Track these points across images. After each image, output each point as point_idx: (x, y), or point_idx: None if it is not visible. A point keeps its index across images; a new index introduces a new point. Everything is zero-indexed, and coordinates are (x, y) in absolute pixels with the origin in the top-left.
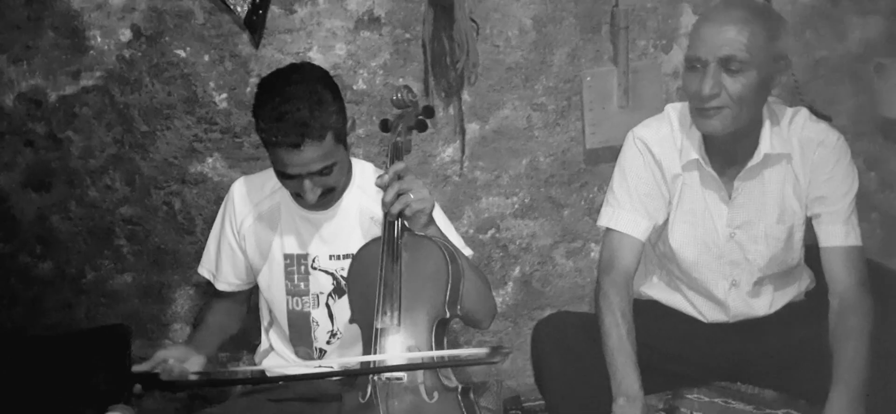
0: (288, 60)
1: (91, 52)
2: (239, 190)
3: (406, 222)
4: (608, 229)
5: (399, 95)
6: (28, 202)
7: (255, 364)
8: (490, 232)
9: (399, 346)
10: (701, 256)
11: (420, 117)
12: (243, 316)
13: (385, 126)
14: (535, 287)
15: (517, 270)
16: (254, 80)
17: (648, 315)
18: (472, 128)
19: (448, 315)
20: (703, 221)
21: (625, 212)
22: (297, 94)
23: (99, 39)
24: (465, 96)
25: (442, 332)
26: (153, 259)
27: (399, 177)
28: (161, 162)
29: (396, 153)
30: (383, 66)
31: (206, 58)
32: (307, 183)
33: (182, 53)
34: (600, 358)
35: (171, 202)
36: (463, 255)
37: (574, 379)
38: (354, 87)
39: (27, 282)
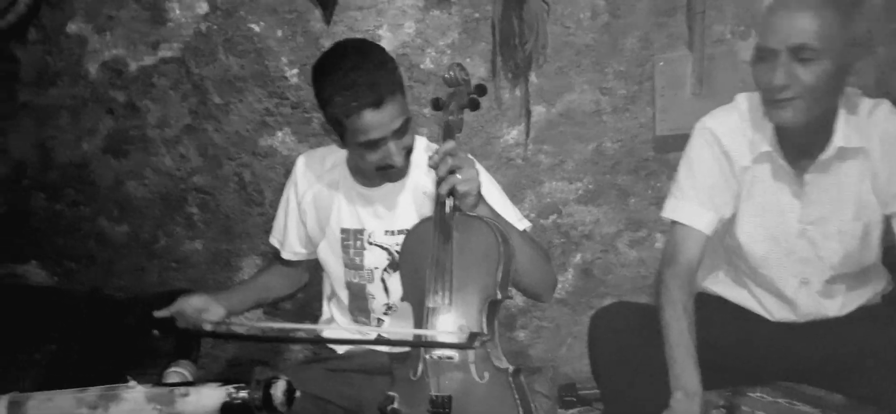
0: (358, 37)
1: (169, 23)
2: (301, 163)
3: (456, 202)
4: (673, 221)
5: (451, 74)
6: (107, 167)
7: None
8: (552, 217)
9: (450, 325)
10: (770, 252)
11: (472, 95)
12: (298, 283)
13: (437, 105)
14: (596, 275)
15: (578, 256)
16: None
17: (712, 311)
18: (538, 110)
19: (499, 297)
20: (774, 216)
21: (689, 204)
22: (360, 61)
23: (177, 12)
24: (532, 78)
25: (493, 312)
26: (222, 228)
27: (450, 155)
28: (232, 134)
29: (448, 132)
30: (451, 46)
31: (279, 33)
32: (393, 146)
33: (256, 28)
34: (658, 351)
35: (241, 174)
36: (516, 232)
37: (631, 371)
38: (422, 67)
39: (104, 244)
